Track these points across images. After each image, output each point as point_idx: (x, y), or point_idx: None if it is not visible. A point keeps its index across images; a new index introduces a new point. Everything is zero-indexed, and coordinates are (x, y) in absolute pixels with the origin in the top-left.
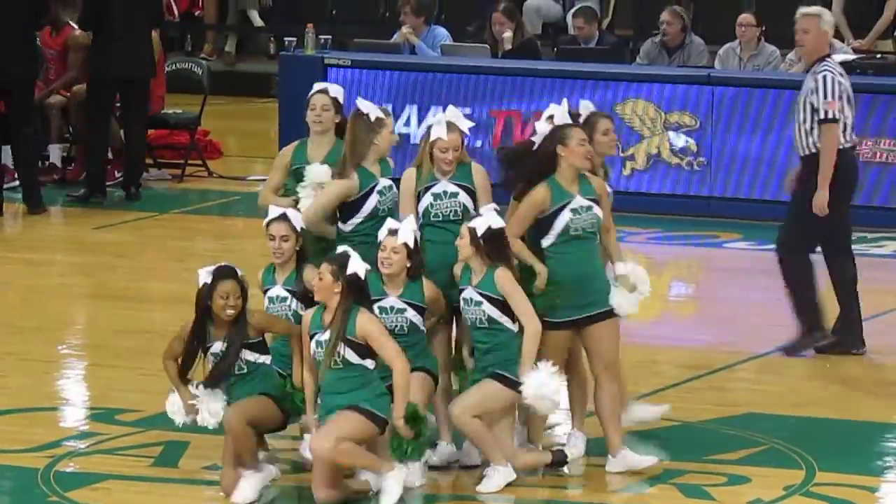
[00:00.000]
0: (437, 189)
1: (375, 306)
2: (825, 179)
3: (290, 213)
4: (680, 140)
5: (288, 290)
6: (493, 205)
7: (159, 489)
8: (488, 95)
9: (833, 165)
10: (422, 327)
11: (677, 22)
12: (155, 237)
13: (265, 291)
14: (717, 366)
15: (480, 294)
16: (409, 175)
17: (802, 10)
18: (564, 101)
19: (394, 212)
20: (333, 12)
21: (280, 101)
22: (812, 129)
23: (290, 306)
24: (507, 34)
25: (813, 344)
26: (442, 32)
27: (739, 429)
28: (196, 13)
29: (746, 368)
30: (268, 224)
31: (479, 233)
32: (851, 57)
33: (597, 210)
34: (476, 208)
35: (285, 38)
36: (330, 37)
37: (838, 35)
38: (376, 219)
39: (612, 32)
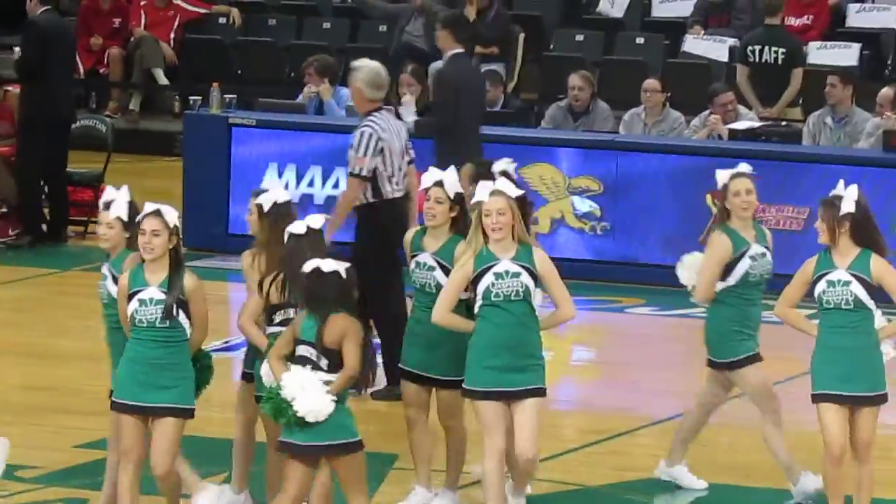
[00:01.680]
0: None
1: None
2: (333, 227)
3: (164, 209)
4: (584, 205)
5: (163, 292)
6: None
7: None
8: None
9: (344, 215)
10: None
11: (588, 87)
12: (57, 294)
13: (134, 294)
14: (618, 430)
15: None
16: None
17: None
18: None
19: None
20: (239, 72)
21: (184, 159)
22: None
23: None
24: (407, 97)
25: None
26: (347, 93)
27: (640, 494)
28: (101, 70)
29: (648, 434)
30: (140, 221)
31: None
32: (757, 124)
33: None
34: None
35: (190, 97)
36: (235, 96)
37: (745, 103)
38: None
39: (517, 96)
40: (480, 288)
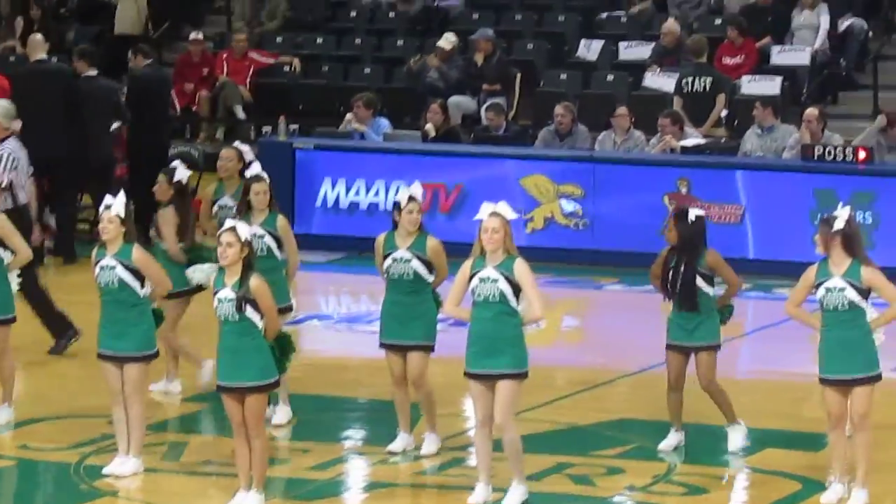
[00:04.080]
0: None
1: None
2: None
3: (239, 225)
4: (569, 206)
5: (234, 292)
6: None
7: (167, 478)
8: (420, 171)
9: None
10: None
11: (569, 114)
12: None
13: (215, 294)
14: (599, 381)
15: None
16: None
17: None
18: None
19: None
20: (300, 107)
21: None
22: None
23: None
24: (428, 126)
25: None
26: (384, 122)
27: (616, 431)
28: (193, 108)
29: (623, 383)
30: (219, 234)
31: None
32: (703, 141)
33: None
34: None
35: (262, 128)
36: (297, 126)
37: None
38: None
39: (515, 123)
40: (470, 288)
